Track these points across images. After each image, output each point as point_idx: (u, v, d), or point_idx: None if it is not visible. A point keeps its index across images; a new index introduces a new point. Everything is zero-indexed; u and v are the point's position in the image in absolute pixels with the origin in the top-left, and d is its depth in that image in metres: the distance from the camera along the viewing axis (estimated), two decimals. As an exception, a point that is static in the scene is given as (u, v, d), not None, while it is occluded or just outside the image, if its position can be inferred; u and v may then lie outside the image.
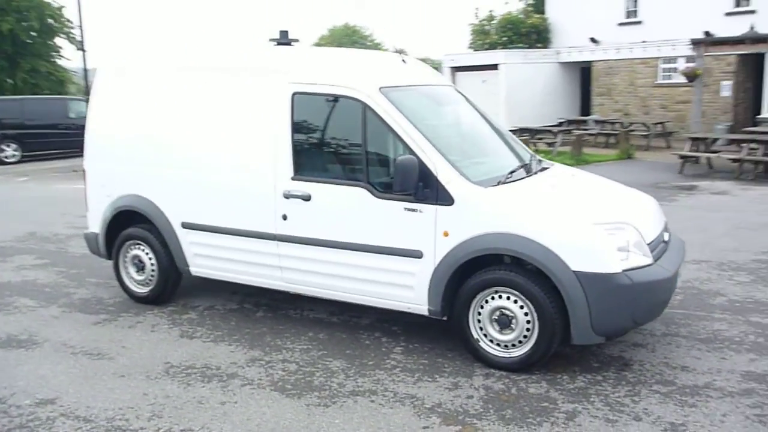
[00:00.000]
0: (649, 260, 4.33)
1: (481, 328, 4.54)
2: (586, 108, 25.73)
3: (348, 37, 56.54)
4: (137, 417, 3.94)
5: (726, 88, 21.01)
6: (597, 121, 22.79)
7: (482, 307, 4.50)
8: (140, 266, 5.98)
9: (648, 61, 23.35)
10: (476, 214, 4.42)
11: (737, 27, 21.44)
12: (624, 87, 24.35)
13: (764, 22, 20.63)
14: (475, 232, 4.41)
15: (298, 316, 5.64)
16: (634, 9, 25.57)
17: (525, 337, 4.40)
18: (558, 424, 3.79)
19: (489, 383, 4.31)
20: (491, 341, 4.52)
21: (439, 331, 5.12)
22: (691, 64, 18.45)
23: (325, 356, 4.79)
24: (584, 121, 22.91)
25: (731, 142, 14.87)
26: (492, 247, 4.37)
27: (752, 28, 19.21)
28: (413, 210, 4.58)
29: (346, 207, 4.85)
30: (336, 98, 4.92)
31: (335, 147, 5.10)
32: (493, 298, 4.46)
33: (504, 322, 4.44)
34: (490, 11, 29.42)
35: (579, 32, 26.27)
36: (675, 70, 22.68)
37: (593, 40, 26.04)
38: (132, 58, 6.16)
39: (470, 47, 29.97)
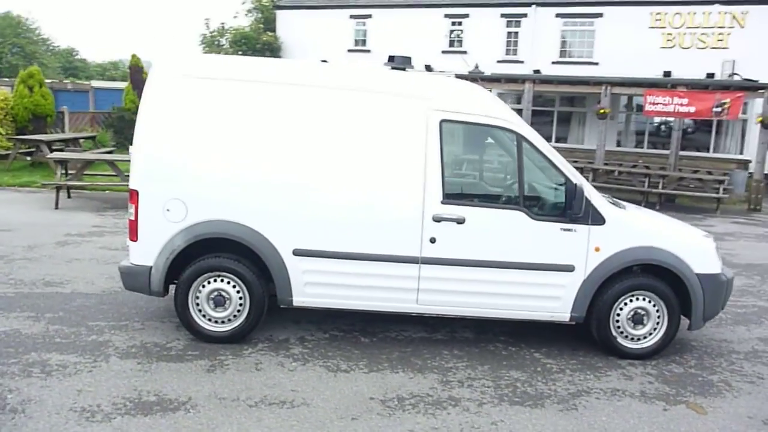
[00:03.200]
0: (721, 262, 5.77)
1: (618, 327, 5.42)
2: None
3: (12, 28, 48.97)
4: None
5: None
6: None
7: (621, 309, 5.40)
8: (220, 301, 5.27)
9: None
10: (623, 232, 5.30)
11: (451, 63, 25.55)
12: (364, 109, 26.73)
13: (473, 60, 24.96)
14: (622, 246, 5.28)
15: (402, 338, 5.69)
16: (363, 38, 28.26)
17: (654, 329, 5.44)
18: (729, 390, 4.93)
19: (643, 371, 5.23)
20: (626, 337, 5.44)
21: (539, 333, 5.82)
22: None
23: (496, 369, 5.10)
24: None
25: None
26: (640, 258, 5.31)
27: (476, 66, 23.17)
28: (569, 230, 5.24)
29: (502, 229, 5.24)
30: (487, 128, 5.29)
31: (486, 173, 5.41)
32: (631, 301, 5.39)
33: (638, 319, 5.41)
34: (222, 24, 29.21)
35: (312, 54, 27.93)
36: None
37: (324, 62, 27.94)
38: (208, 63, 5.37)
39: (204, 58, 29.21)
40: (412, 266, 5.22)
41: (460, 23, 26.42)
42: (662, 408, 4.58)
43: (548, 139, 23.60)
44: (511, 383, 4.86)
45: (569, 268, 5.28)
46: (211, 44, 28.86)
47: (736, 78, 19.03)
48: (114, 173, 11.99)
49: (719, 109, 15.67)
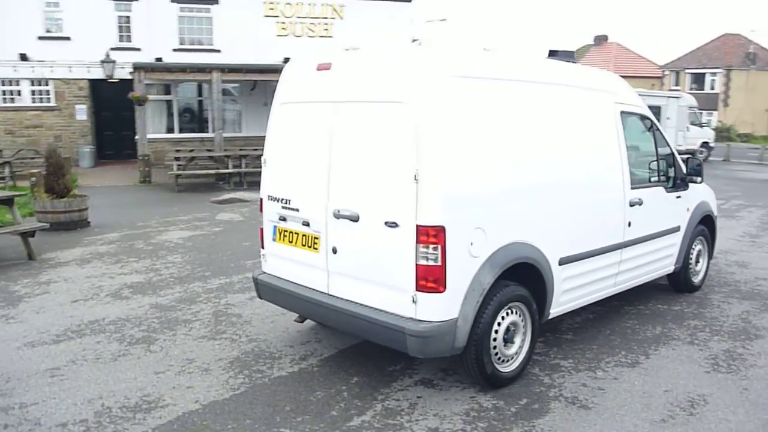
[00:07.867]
0: None
1: (690, 268, 6.80)
2: None
3: None
4: None
5: (81, 112, 21.34)
6: None
7: (692, 254, 6.79)
8: (510, 337, 4.57)
9: (-21, 82, 20.49)
10: (694, 194, 6.67)
11: (53, 53, 22.06)
12: (-50, 110, 20.43)
13: (143, 56, 21.89)
14: (695, 204, 6.67)
15: (577, 326, 5.86)
16: None
17: (699, 262, 7.02)
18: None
19: (725, 297, 6.77)
20: (693, 274, 6.87)
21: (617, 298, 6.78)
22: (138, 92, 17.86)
23: (685, 327, 5.88)
24: None
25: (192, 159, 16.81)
26: (703, 211, 6.78)
27: (134, 65, 20.33)
28: (679, 197, 6.35)
29: (656, 204, 5.97)
30: (636, 116, 5.89)
31: (642, 155, 5.93)
32: (695, 246, 6.84)
33: (697, 260, 6.92)
34: None
35: None
36: (19, 93, 20.96)
37: None
38: (483, 61, 4.41)
39: None
40: (617, 252, 5.51)
41: (57, 4, 22.54)
42: (804, 313, 6.24)
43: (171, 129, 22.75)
44: (730, 330, 5.79)
45: (678, 229, 6.41)
46: None
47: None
48: None
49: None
